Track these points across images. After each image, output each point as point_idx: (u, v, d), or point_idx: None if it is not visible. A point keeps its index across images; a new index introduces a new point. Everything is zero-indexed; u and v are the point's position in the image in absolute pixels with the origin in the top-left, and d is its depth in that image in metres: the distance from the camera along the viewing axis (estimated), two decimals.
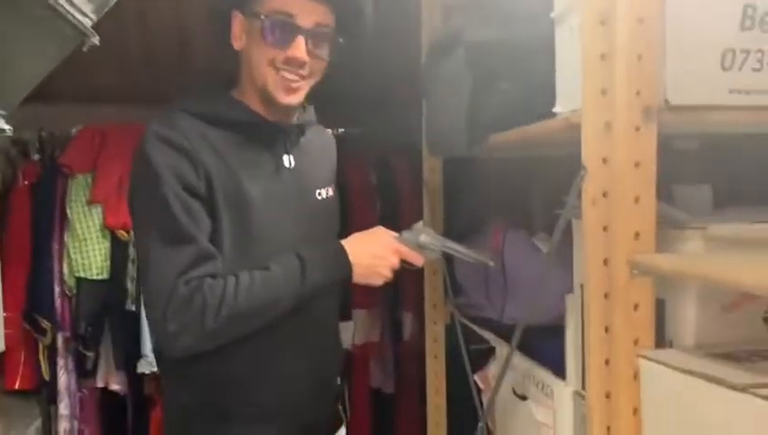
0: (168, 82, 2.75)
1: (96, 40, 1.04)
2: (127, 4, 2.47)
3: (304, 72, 1.13)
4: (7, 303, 2.18)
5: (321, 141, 1.34)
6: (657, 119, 0.87)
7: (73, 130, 2.40)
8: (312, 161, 1.26)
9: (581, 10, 0.93)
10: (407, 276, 2.36)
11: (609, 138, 0.88)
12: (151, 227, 1.04)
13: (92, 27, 1.05)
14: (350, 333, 2.43)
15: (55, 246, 2.28)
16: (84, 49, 1.03)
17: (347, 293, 2.42)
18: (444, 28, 1.63)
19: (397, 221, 2.53)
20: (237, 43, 1.15)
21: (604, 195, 0.89)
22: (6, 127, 1.03)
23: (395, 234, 1.19)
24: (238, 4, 1.14)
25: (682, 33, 0.89)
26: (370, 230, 1.20)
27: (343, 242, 1.15)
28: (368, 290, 2.45)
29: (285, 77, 1.12)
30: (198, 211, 1.05)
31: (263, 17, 1.09)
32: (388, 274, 1.16)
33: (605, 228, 0.89)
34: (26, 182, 2.29)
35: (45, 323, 2.25)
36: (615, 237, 0.87)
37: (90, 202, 2.27)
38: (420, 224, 1.22)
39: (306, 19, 1.10)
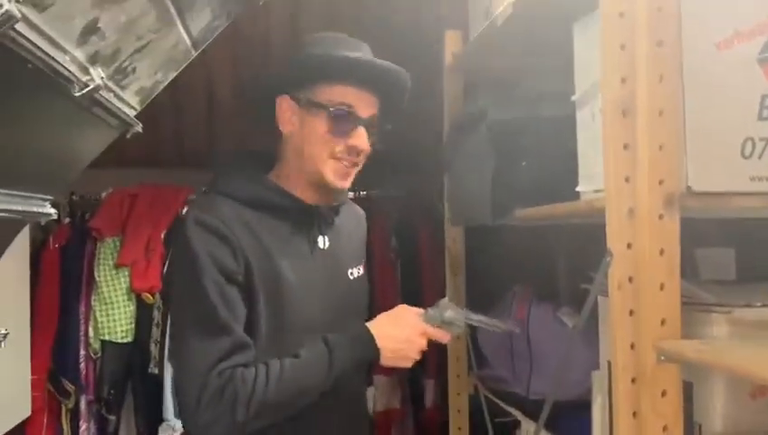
0: (195, 145, 2.87)
1: (139, 128, 1.09)
2: None
3: (360, 158, 1.17)
4: (34, 365, 2.21)
5: (353, 219, 1.36)
6: (679, 206, 0.89)
7: (103, 194, 2.46)
8: (344, 240, 1.27)
9: (603, 101, 0.97)
10: (429, 342, 2.34)
11: (633, 224, 0.90)
12: (188, 313, 1.06)
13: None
14: (371, 400, 2.41)
15: (82, 309, 2.32)
16: (128, 136, 1.08)
17: None
18: (467, 105, 1.68)
19: (417, 286, 2.55)
20: (286, 128, 1.16)
21: (630, 280, 0.90)
22: (52, 211, 1.07)
23: (420, 311, 1.20)
24: (290, 89, 1.15)
25: (702, 123, 0.92)
26: (396, 311, 1.19)
27: (371, 326, 1.15)
28: None
29: (343, 165, 1.15)
30: (236, 299, 1.06)
31: (330, 109, 1.12)
32: (416, 356, 1.16)
33: (631, 313, 0.90)
34: (56, 245, 2.34)
35: (69, 386, 2.27)
36: (641, 323, 0.89)
37: (117, 265, 2.31)
38: (445, 300, 1.22)
39: (364, 110, 1.15)
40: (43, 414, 2.26)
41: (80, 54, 0.80)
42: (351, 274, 1.26)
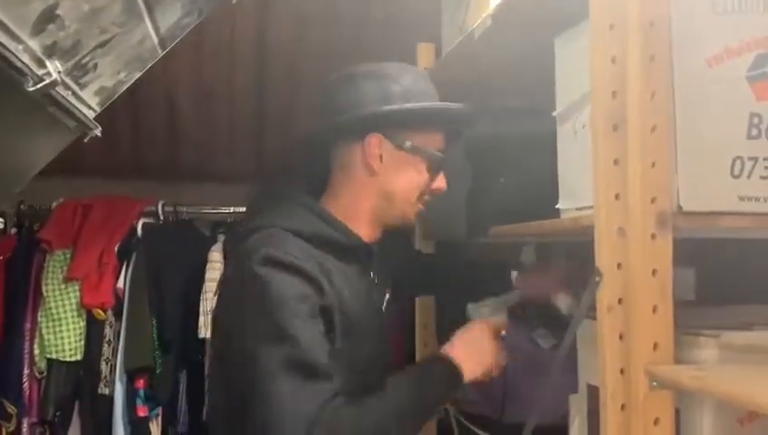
0: (154, 155, 2.77)
1: (98, 131, 1.01)
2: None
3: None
4: None
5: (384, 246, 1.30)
6: (671, 225, 0.85)
7: (54, 204, 2.34)
8: (381, 271, 1.24)
9: (593, 115, 0.93)
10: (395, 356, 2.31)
11: (624, 244, 0.86)
12: (276, 357, 0.96)
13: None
14: None
15: (27, 326, 2.19)
16: (85, 140, 1.00)
17: None
18: None
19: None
20: (373, 165, 1.13)
21: (619, 301, 0.87)
22: None
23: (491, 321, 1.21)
24: (386, 129, 1.13)
25: (693, 141, 0.89)
26: (471, 331, 1.18)
27: (451, 354, 1.12)
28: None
29: (423, 205, 1.18)
30: (322, 337, 1.00)
31: (435, 156, 1.14)
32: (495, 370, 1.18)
33: (621, 337, 0.86)
34: (1, 257, 2.21)
35: (11, 408, 2.13)
36: (632, 347, 0.85)
37: (67, 279, 2.19)
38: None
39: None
40: None
41: (35, 45, 0.73)
42: (386, 301, 1.25)
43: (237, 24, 2.35)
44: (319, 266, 1.04)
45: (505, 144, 1.30)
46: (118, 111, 2.55)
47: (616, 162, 0.88)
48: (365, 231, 1.16)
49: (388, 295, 1.26)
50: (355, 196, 1.15)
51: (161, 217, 2.40)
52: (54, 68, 0.76)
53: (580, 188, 1.06)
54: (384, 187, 1.14)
